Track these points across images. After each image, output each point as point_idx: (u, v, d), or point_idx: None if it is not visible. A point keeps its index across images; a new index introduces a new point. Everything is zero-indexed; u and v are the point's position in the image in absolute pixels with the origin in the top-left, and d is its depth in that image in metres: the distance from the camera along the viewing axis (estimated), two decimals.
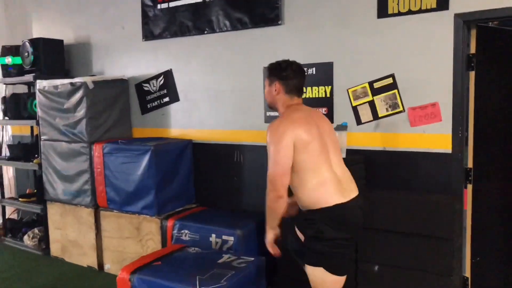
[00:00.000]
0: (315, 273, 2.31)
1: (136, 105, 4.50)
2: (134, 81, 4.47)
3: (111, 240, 4.09)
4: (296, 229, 2.42)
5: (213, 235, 3.49)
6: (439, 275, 2.80)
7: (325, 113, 3.43)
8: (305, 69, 3.43)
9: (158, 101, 4.35)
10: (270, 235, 2.38)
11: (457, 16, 2.88)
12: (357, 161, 3.18)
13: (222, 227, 3.47)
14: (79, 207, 4.27)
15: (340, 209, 2.23)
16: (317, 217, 2.25)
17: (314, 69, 3.45)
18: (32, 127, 5.22)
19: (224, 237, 3.42)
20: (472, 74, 3.00)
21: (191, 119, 4.16)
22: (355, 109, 3.31)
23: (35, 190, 4.85)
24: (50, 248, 4.59)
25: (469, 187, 3.07)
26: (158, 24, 4.21)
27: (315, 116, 2.42)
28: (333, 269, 2.29)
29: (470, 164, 3.07)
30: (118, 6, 4.48)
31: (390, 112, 3.18)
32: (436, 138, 3.03)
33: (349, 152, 3.21)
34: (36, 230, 4.83)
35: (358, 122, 3.30)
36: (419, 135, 3.09)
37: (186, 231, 3.61)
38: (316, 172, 2.24)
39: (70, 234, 4.39)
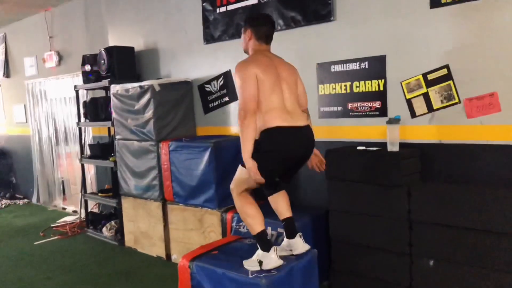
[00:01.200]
0: (243, 169, 2.73)
1: (199, 105, 4.76)
2: (197, 82, 4.73)
3: (177, 231, 4.38)
4: None
5: (269, 228, 3.60)
6: (498, 272, 2.69)
7: (378, 106, 3.41)
8: (358, 63, 3.49)
9: (219, 100, 4.56)
10: (250, 161, 2.62)
11: None
12: (412, 154, 3.14)
13: (277, 220, 3.56)
14: (149, 201, 4.61)
15: (279, 131, 2.65)
16: (262, 135, 2.65)
17: (366, 63, 3.44)
18: (109, 128, 5.71)
19: (279, 229, 3.52)
20: None
21: None
22: (409, 102, 3.26)
23: (112, 186, 5.29)
24: (124, 238, 5.00)
25: None
26: (218, 27, 4.43)
27: (276, 62, 2.81)
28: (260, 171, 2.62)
29: None
30: (181, 13, 4.77)
31: (445, 104, 3.10)
32: (496, 129, 2.91)
33: (404, 145, 3.19)
34: (113, 222, 5.29)
35: (413, 115, 3.25)
36: (476, 127, 2.98)
37: (244, 224, 3.77)
38: (267, 102, 2.66)
39: (142, 226, 4.75)
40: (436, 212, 2.90)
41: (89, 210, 5.80)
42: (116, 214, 5.31)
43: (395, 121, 3.12)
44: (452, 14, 3.00)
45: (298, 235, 2.97)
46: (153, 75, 5.16)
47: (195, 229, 4.21)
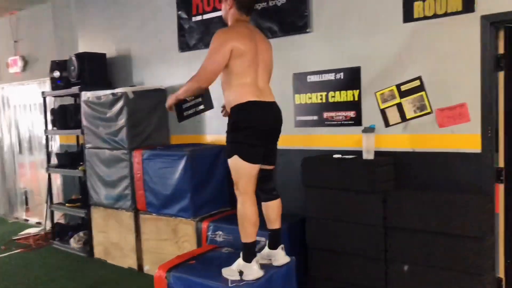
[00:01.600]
0: (232, 162, 2.73)
1: (173, 113, 4.70)
2: (171, 90, 4.66)
3: (150, 242, 4.29)
4: None
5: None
6: (470, 275, 2.79)
7: (353, 116, 3.50)
8: (333, 74, 3.57)
9: (194, 109, 4.44)
10: (173, 100, 3.03)
11: (483, 17, 2.90)
12: (387, 162, 3.23)
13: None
14: (120, 211, 4.51)
15: (253, 105, 2.69)
16: (235, 111, 2.72)
17: (342, 74, 3.53)
18: (77, 136, 5.56)
19: (257, 238, 3.52)
20: (501, 74, 3.00)
21: (225, 125, 4.31)
22: (383, 111, 3.37)
23: (80, 196, 5.14)
24: (94, 250, 4.85)
25: (501, 187, 3.05)
26: (193, 36, 4.42)
27: (257, 36, 2.83)
28: (245, 157, 2.68)
29: (501, 164, 3.05)
30: (156, 20, 4.74)
31: (418, 113, 3.22)
32: (465, 138, 3.04)
33: (378, 153, 3.27)
34: (81, 234, 5.13)
35: (387, 124, 3.35)
36: (447, 136, 3.11)
37: (220, 233, 3.75)
38: (240, 76, 2.69)
39: (112, 237, 4.63)
40: (410, 218, 2.98)
41: (55, 221, 5.60)
42: (84, 225, 5.15)
43: (370, 130, 3.21)
44: (424, 29, 3.13)
45: (280, 247, 2.98)
46: (125, 82, 5.08)
47: (169, 239, 4.14)
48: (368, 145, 3.19)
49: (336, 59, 3.56)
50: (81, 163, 5.05)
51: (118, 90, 4.40)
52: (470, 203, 2.80)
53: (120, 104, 4.36)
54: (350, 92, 3.51)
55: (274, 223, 2.99)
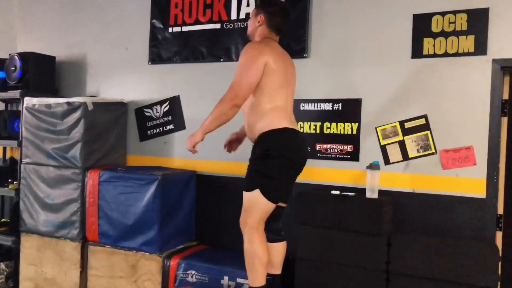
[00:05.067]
0: (250, 195, 2.41)
1: (134, 131, 4.18)
2: (134, 105, 4.17)
3: (100, 279, 3.65)
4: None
5: (226, 278, 3.18)
6: None
7: (350, 150, 3.30)
8: (330, 104, 3.36)
9: (161, 128, 4.06)
10: (200, 137, 2.52)
11: (495, 61, 2.90)
12: (387, 202, 3.03)
13: (236, 269, 3.16)
14: (63, 241, 3.81)
15: (289, 132, 2.43)
16: (267, 137, 2.40)
17: (340, 104, 3.34)
18: (4, 149, 4.74)
19: (239, 280, 3.12)
20: (504, 119, 3.00)
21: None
22: (383, 148, 3.21)
23: (10, 220, 4.30)
24: (19, 286, 4.03)
25: (499, 234, 3.01)
26: (169, 48, 3.99)
27: (287, 58, 2.65)
28: (268, 193, 2.37)
29: (500, 211, 3.02)
30: (123, 26, 4.23)
31: (422, 153, 3.10)
32: (470, 182, 2.97)
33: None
34: (3, 265, 4.25)
35: (386, 161, 3.19)
36: (451, 178, 3.01)
37: (193, 272, 3.28)
38: (272, 98, 2.43)
39: (48, 271, 3.88)
40: (415, 264, 2.80)
41: None
42: (9, 255, 4.29)
43: (375, 166, 3.01)
44: (433, 66, 3.06)
45: None
46: (76, 91, 4.44)
47: (125, 277, 3.54)
48: (372, 182, 2.99)
49: (334, 89, 3.37)
50: (10, 180, 4.27)
51: (76, 100, 3.78)
52: (472, 250, 2.69)
53: (76, 115, 3.74)
54: (348, 125, 3.31)
55: (278, 267, 2.65)
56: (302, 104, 3.47)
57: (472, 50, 2.95)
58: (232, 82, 2.41)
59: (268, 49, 2.44)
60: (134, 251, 3.51)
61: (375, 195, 2.99)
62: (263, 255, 2.41)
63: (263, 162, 2.39)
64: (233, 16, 3.72)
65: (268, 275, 2.64)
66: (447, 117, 3.04)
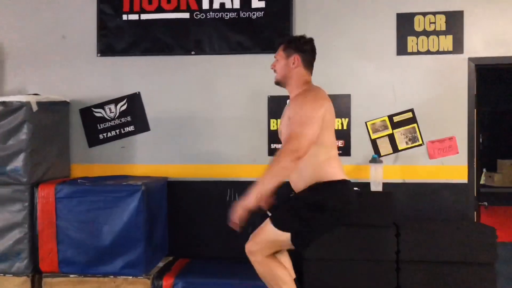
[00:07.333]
0: (277, 233, 2.18)
1: (79, 136, 3.53)
2: (78, 105, 3.52)
3: None
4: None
5: None
6: None
7: (341, 145, 3.32)
8: None
9: (118, 130, 3.51)
10: (253, 201, 2.10)
11: (470, 60, 3.22)
12: (387, 195, 3.11)
13: (245, 280, 2.90)
14: (3, 277, 3.02)
15: (345, 185, 2.29)
16: (321, 188, 2.22)
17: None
18: None
19: None
20: (475, 111, 3.36)
21: (167, 152, 3.48)
22: (374, 142, 3.30)
23: None
24: None
25: None
26: (123, 38, 3.47)
27: (330, 101, 2.44)
28: (298, 241, 2.21)
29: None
30: (58, 10, 3.53)
31: (410, 145, 3.28)
32: (454, 169, 3.25)
33: (366, 185, 3.15)
34: None
35: (378, 155, 3.29)
36: (438, 167, 3.26)
37: None
38: (327, 149, 2.29)
39: None
40: (423, 250, 2.95)
41: None
42: None
43: (378, 161, 3.09)
44: (416, 63, 3.26)
45: None
46: None
47: None
48: (377, 176, 3.06)
49: (323, 84, 3.26)
50: None
51: (15, 98, 3.02)
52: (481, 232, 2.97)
53: (17, 118, 2.99)
54: (338, 120, 3.32)
55: (292, 272, 2.46)
56: (288, 100, 3.33)
57: (451, 49, 3.23)
58: (291, 134, 2.16)
59: (325, 103, 2.29)
60: (112, 277, 2.96)
61: (379, 188, 3.06)
62: (285, 276, 2.26)
63: (311, 211, 2.19)
64: (205, 5, 3.41)
65: None
66: (431, 110, 3.27)
